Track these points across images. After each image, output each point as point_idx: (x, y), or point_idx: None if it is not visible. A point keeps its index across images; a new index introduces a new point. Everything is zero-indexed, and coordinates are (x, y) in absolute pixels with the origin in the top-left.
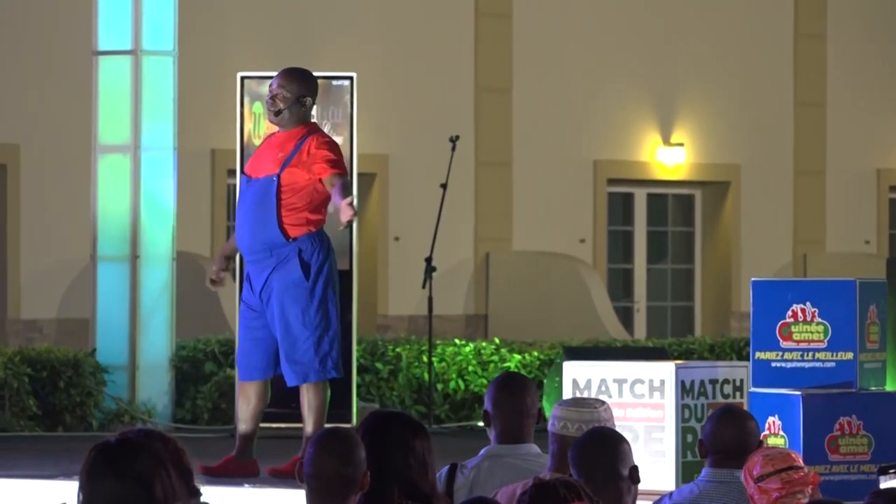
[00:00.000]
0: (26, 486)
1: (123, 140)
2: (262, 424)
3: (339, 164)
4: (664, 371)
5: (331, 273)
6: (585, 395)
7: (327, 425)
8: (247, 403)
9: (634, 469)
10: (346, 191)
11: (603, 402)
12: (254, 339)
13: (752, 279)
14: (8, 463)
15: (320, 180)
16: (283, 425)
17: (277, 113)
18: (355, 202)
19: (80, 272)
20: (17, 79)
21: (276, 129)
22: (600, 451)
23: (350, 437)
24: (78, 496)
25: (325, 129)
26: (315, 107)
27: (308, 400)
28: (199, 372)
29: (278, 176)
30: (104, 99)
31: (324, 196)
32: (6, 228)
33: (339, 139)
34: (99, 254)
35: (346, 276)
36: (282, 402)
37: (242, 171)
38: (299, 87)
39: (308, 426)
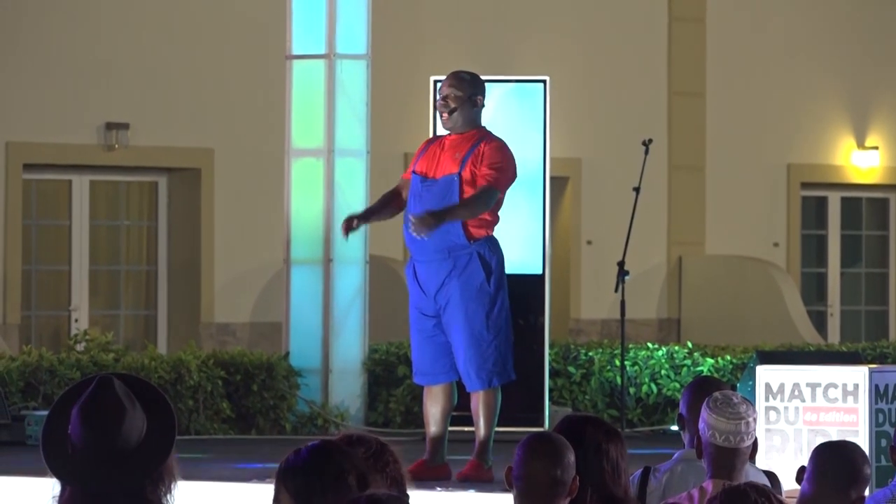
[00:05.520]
0: (220, 489)
1: (317, 144)
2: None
3: (494, 176)
4: (858, 375)
5: (504, 276)
6: (778, 400)
7: (533, 429)
8: (435, 405)
9: (861, 500)
10: (467, 204)
11: (750, 406)
12: (434, 343)
13: None
14: (202, 465)
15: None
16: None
17: (451, 112)
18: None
19: (274, 276)
20: (212, 83)
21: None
22: (839, 470)
23: (560, 441)
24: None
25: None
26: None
27: (485, 403)
28: (392, 375)
29: (459, 175)
30: (298, 103)
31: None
32: (200, 232)
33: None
34: (292, 257)
35: (539, 280)
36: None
37: (414, 171)
38: (470, 86)
39: (482, 430)
